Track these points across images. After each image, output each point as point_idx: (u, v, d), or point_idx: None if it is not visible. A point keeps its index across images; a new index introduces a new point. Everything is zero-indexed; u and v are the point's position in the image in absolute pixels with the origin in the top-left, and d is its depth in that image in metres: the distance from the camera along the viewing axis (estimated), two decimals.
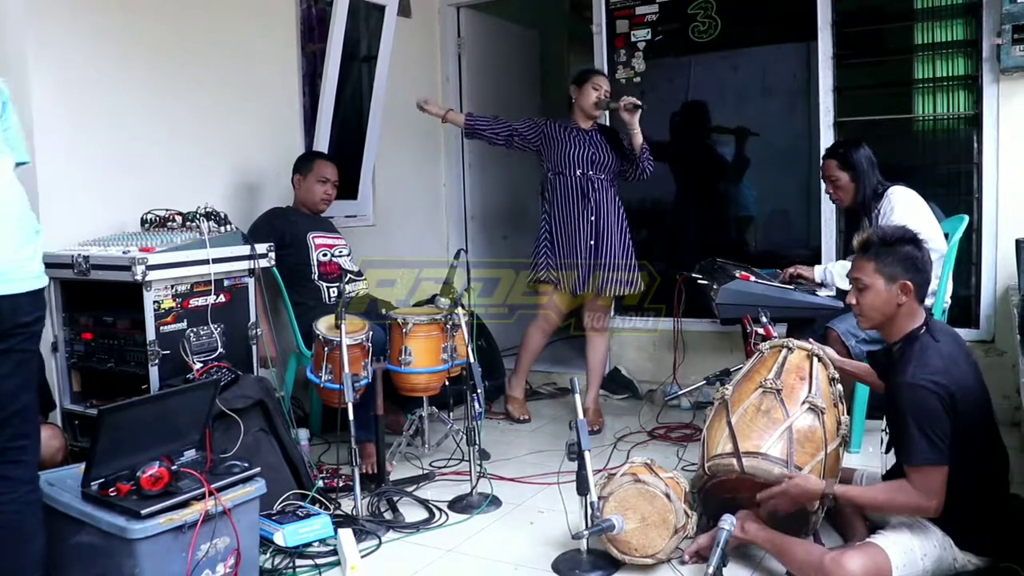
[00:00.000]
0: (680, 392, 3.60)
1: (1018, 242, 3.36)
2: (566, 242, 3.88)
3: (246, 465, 2.37)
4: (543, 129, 3.95)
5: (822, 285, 3.48)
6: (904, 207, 3.30)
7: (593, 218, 3.85)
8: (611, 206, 3.89)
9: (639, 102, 3.75)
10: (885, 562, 2.15)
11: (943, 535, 2.21)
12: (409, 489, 3.17)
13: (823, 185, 4.10)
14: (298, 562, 2.58)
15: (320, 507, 2.89)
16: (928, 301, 3.29)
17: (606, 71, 4.58)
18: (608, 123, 4.26)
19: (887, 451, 2.44)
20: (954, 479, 2.16)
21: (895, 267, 2.23)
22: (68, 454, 2.67)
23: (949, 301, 3.43)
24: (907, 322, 2.27)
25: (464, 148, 5.22)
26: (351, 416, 2.85)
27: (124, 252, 2.80)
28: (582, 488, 2.43)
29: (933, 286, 3.29)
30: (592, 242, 3.84)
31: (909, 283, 2.22)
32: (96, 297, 3.01)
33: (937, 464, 2.11)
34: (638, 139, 3.84)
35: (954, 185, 3.91)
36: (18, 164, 2.15)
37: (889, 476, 2.43)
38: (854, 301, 2.32)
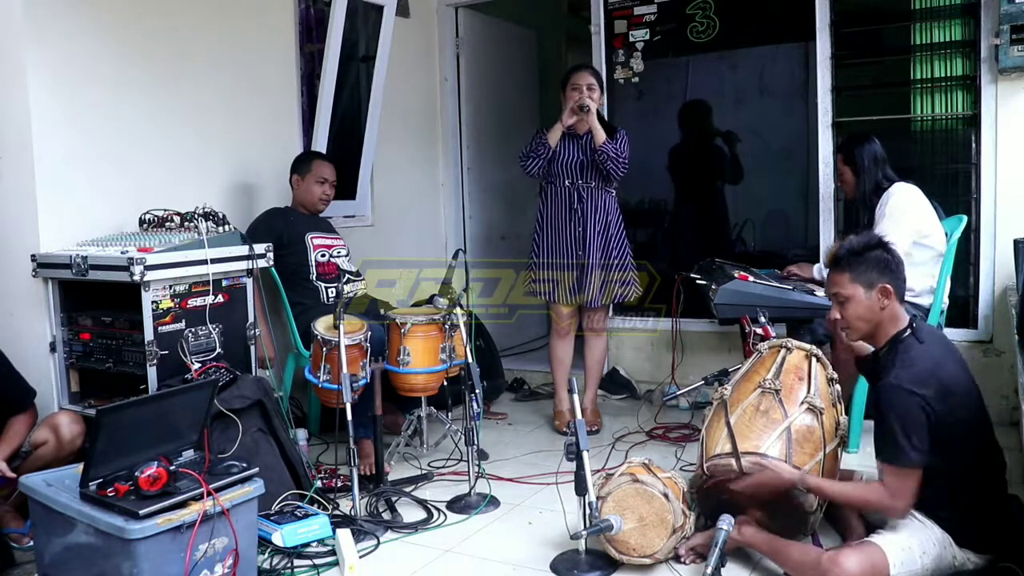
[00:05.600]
0: (678, 392, 3.60)
1: (1016, 242, 3.37)
2: (554, 251, 3.86)
3: (244, 465, 2.37)
4: (540, 141, 3.86)
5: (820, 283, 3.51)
6: (895, 206, 3.33)
7: (580, 228, 3.82)
8: (601, 214, 3.84)
9: (584, 103, 3.67)
10: (882, 560, 2.16)
11: (942, 533, 2.22)
12: (407, 489, 3.17)
13: (821, 184, 4.14)
14: (296, 562, 2.57)
15: (318, 507, 2.89)
16: (926, 300, 3.31)
17: (604, 71, 4.57)
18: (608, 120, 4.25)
19: None
20: (951, 478, 2.18)
21: (870, 273, 2.25)
22: (86, 441, 2.67)
23: (947, 301, 3.44)
24: (891, 326, 2.28)
25: (462, 149, 5.22)
26: (349, 416, 2.85)
27: (122, 252, 2.79)
28: (580, 488, 2.43)
29: (931, 284, 3.31)
30: (580, 251, 3.82)
31: (888, 285, 2.24)
32: (94, 297, 3.02)
33: (912, 467, 2.14)
34: (596, 138, 3.73)
35: (952, 185, 3.91)
36: None
37: None
38: (838, 315, 2.33)
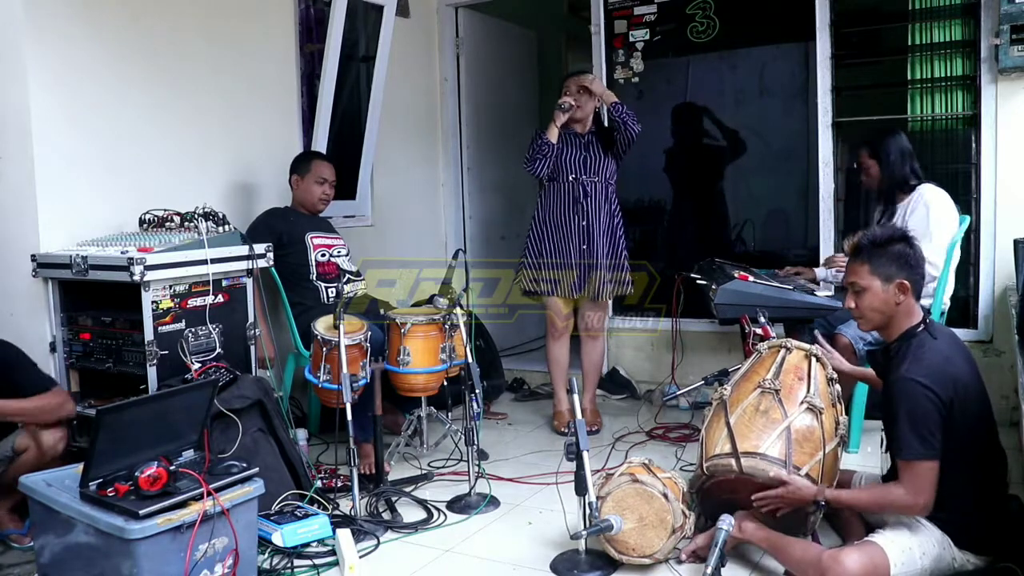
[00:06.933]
0: (678, 392, 3.60)
1: (1016, 242, 3.37)
2: (556, 247, 3.87)
3: (244, 465, 2.37)
4: (543, 142, 3.87)
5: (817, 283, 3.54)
6: (937, 208, 3.34)
7: (584, 223, 3.83)
8: (604, 209, 3.86)
9: (566, 102, 3.77)
10: (883, 560, 2.16)
11: (942, 534, 2.22)
12: (407, 489, 3.17)
13: (821, 184, 4.14)
14: (296, 562, 2.57)
15: (318, 507, 2.89)
16: (927, 302, 3.30)
17: (604, 71, 4.57)
18: (605, 123, 4.25)
19: (886, 451, 2.45)
20: (952, 478, 2.17)
21: (890, 267, 2.25)
22: (69, 444, 2.66)
23: (948, 303, 3.43)
24: (905, 320, 2.28)
25: (462, 149, 5.22)
26: (349, 416, 2.85)
27: (122, 252, 2.80)
28: (580, 488, 2.43)
29: (932, 288, 3.31)
30: (584, 247, 3.83)
31: (906, 281, 2.24)
32: (95, 297, 3.02)
33: (927, 459, 2.13)
34: (606, 98, 3.92)
35: (952, 185, 3.89)
36: None
37: (888, 477, 2.44)
38: (853, 305, 2.33)
